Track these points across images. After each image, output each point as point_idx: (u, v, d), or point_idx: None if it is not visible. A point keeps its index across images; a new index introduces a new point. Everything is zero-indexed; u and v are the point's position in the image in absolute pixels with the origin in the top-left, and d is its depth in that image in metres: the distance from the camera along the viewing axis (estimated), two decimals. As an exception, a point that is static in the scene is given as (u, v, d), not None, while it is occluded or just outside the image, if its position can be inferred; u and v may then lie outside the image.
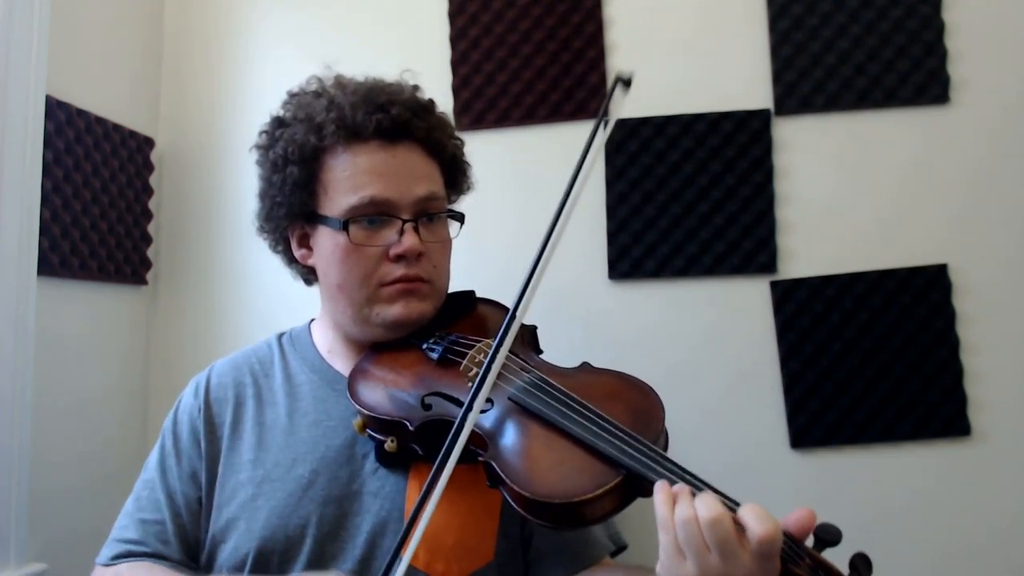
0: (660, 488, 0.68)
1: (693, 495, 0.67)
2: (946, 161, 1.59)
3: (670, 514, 0.66)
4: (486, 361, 0.80)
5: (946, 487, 1.54)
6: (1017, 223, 1.56)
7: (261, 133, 1.08)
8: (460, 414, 0.76)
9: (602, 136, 0.88)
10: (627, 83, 0.91)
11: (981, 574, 1.51)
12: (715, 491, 0.70)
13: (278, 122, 1.06)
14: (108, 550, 1.02)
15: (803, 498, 1.57)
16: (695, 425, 1.60)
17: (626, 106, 1.72)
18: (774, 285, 1.62)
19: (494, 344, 0.81)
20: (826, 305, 1.60)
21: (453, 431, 0.74)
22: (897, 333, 1.57)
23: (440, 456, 0.73)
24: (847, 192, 1.62)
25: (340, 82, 1.06)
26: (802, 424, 1.58)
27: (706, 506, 0.65)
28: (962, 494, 1.53)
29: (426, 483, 0.72)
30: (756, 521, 0.64)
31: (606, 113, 0.90)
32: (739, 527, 0.65)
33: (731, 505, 0.68)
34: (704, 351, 1.64)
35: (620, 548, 1.11)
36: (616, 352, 1.67)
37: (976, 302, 1.56)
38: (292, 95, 1.08)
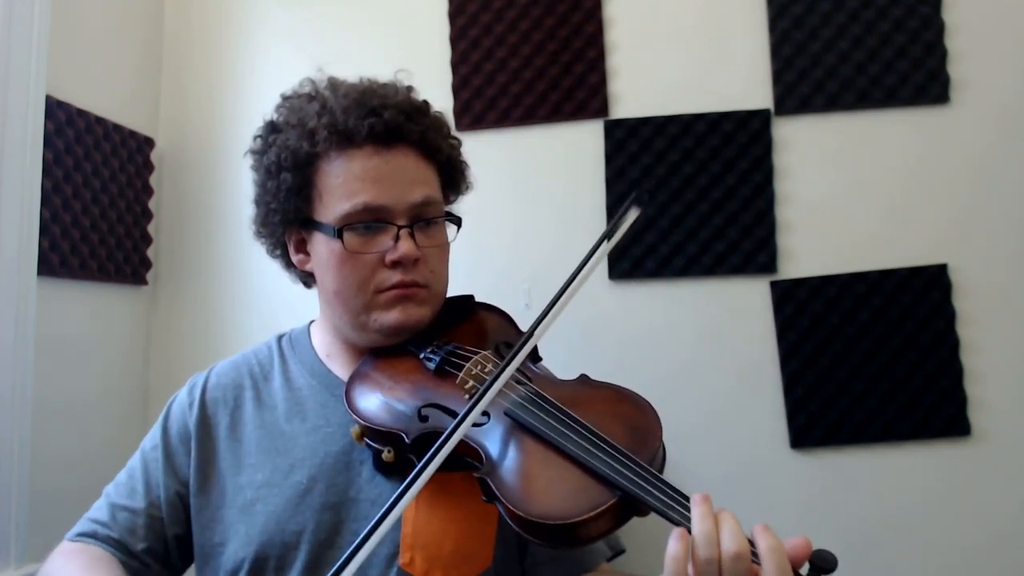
0: (677, 535, 0.67)
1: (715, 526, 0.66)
2: (946, 161, 1.59)
3: (685, 553, 0.65)
4: (488, 380, 0.79)
5: (946, 487, 1.54)
6: (1017, 223, 1.56)
7: (255, 138, 1.07)
8: (450, 426, 0.76)
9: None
10: (643, 200, 0.91)
11: (981, 574, 1.51)
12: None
13: (271, 127, 1.05)
14: (78, 527, 1.03)
15: (803, 498, 1.57)
16: (695, 425, 1.60)
17: (627, 107, 1.73)
18: (774, 285, 1.62)
19: (502, 365, 0.80)
20: (826, 305, 1.60)
21: (439, 443, 0.74)
22: (897, 333, 1.57)
23: (420, 464, 0.73)
24: (847, 192, 1.62)
25: (333, 84, 1.05)
26: (802, 424, 1.58)
27: (731, 536, 0.65)
28: (962, 494, 1.53)
29: (401, 487, 0.72)
30: (774, 570, 0.63)
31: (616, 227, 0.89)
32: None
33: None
34: (704, 351, 1.64)
35: (617, 552, 1.11)
36: (616, 352, 1.67)
37: (976, 302, 1.56)
38: (285, 98, 1.07)
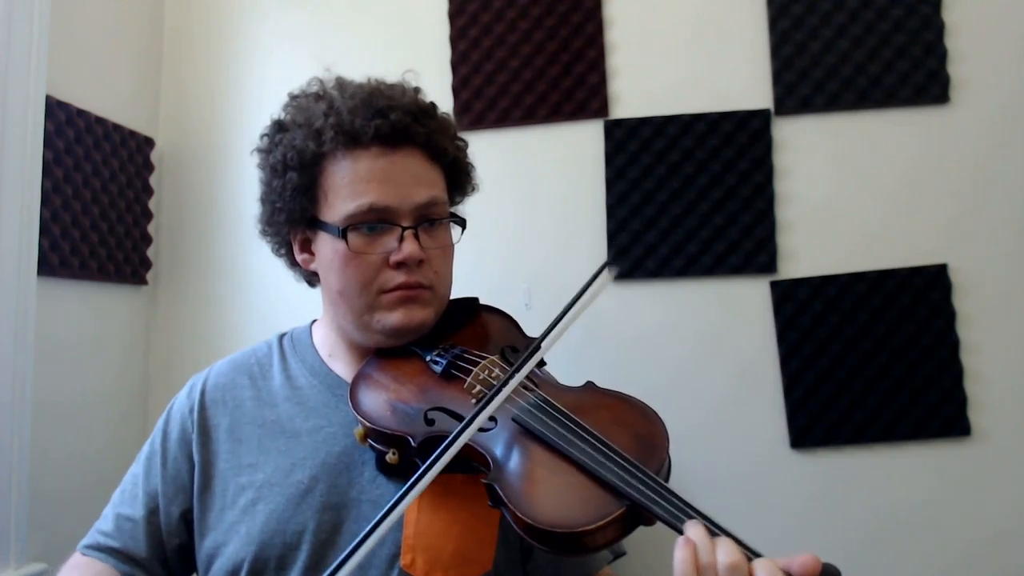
0: (683, 543, 0.67)
1: (712, 535, 0.67)
2: (946, 161, 1.59)
3: (693, 566, 0.65)
4: (497, 385, 0.78)
5: (946, 487, 1.54)
6: (1017, 223, 1.56)
7: (262, 136, 1.07)
8: (456, 429, 0.76)
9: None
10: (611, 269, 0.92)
11: (981, 574, 1.51)
12: (727, 534, 0.69)
13: (278, 126, 1.05)
14: (88, 538, 1.04)
15: (803, 498, 1.57)
16: (696, 425, 1.60)
17: (627, 107, 1.73)
18: (774, 285, 1.62)
19: (510, 371, 0.79)
20: (826, 305, 1.60)
21: (444, 445, 0.74)
22: (897, 333, 1.57)
23: (423, 467, 0.73)
24: (847, 192, 1.62)
25: (340, 84, 1.05)
26: (802, 424, 1.58)
27: (725, 552, 0.65)
28: (962, 494, 1.53)
29: (403, 488, 0.72)
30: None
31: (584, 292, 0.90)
32: None
33: (749, 554, 0.66)
34: (704, 351, 1.64)
35: (618, 555, 1.11)
36: (616, 352, 1.67)
37: (976, 302, 1.56)
38: (292, 97, 1.07)
